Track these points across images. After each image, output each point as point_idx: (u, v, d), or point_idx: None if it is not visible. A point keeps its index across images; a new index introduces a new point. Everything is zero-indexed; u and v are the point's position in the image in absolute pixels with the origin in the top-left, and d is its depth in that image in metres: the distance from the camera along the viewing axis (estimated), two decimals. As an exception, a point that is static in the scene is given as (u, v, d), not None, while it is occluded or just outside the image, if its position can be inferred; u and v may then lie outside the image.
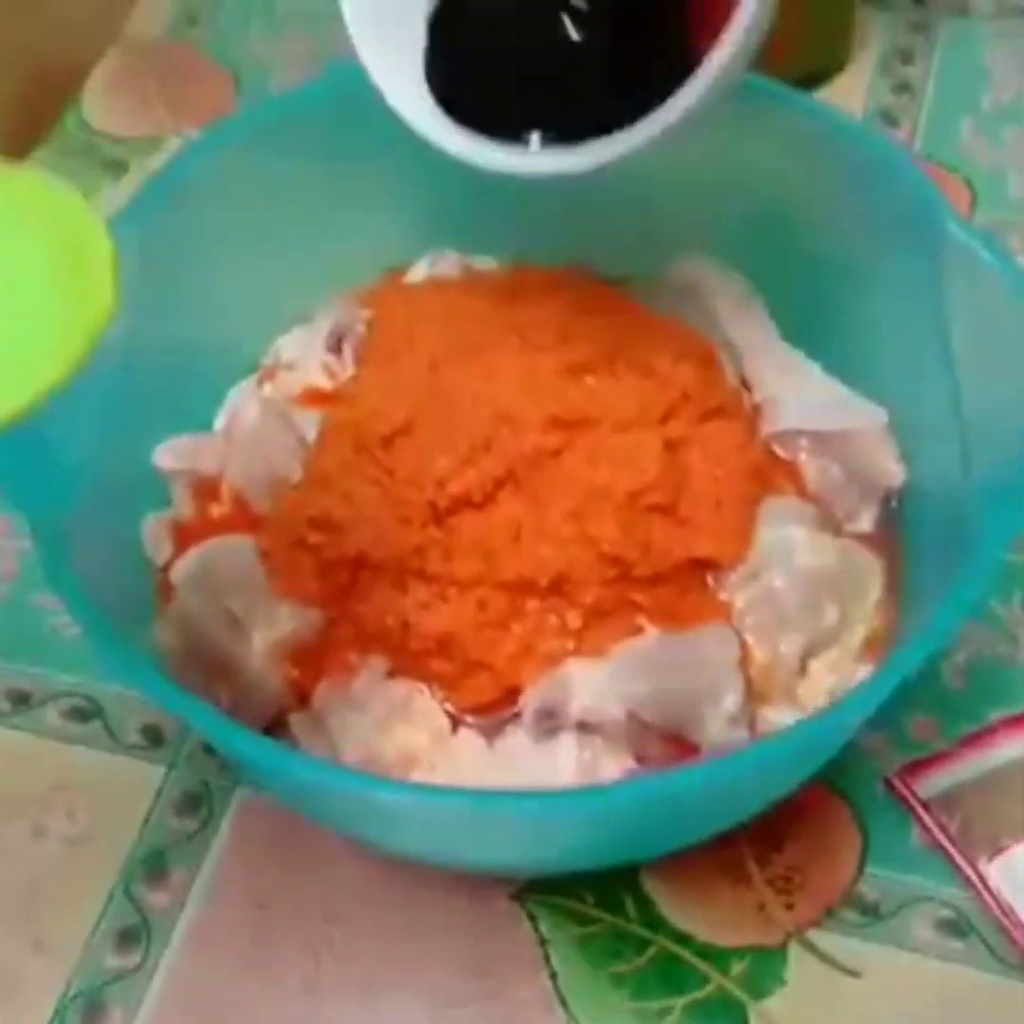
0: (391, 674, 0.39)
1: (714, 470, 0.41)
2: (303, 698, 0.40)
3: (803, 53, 0.62)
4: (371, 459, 0.40)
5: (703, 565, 0.40)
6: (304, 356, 0.47)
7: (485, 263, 0.50)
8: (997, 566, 0.35)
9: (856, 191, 0.44)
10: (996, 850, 0.42)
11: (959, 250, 0.41)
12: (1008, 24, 0.66)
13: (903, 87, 0.64)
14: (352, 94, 0.47)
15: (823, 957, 0.41)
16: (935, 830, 0.43)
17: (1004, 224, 0.58)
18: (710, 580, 0.40)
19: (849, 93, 0.63)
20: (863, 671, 0.41)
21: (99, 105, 0.65)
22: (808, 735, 0.34)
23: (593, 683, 0.37)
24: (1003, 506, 0.36)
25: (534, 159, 0.37)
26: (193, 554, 0.42)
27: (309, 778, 0.34)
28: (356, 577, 0.40)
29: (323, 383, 0.46)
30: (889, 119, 0.62)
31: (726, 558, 0.40)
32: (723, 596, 0.40)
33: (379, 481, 0.40)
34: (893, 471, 0.44)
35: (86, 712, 0.46)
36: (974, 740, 0.45)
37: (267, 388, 0.47)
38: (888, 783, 0.45)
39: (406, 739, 0.38)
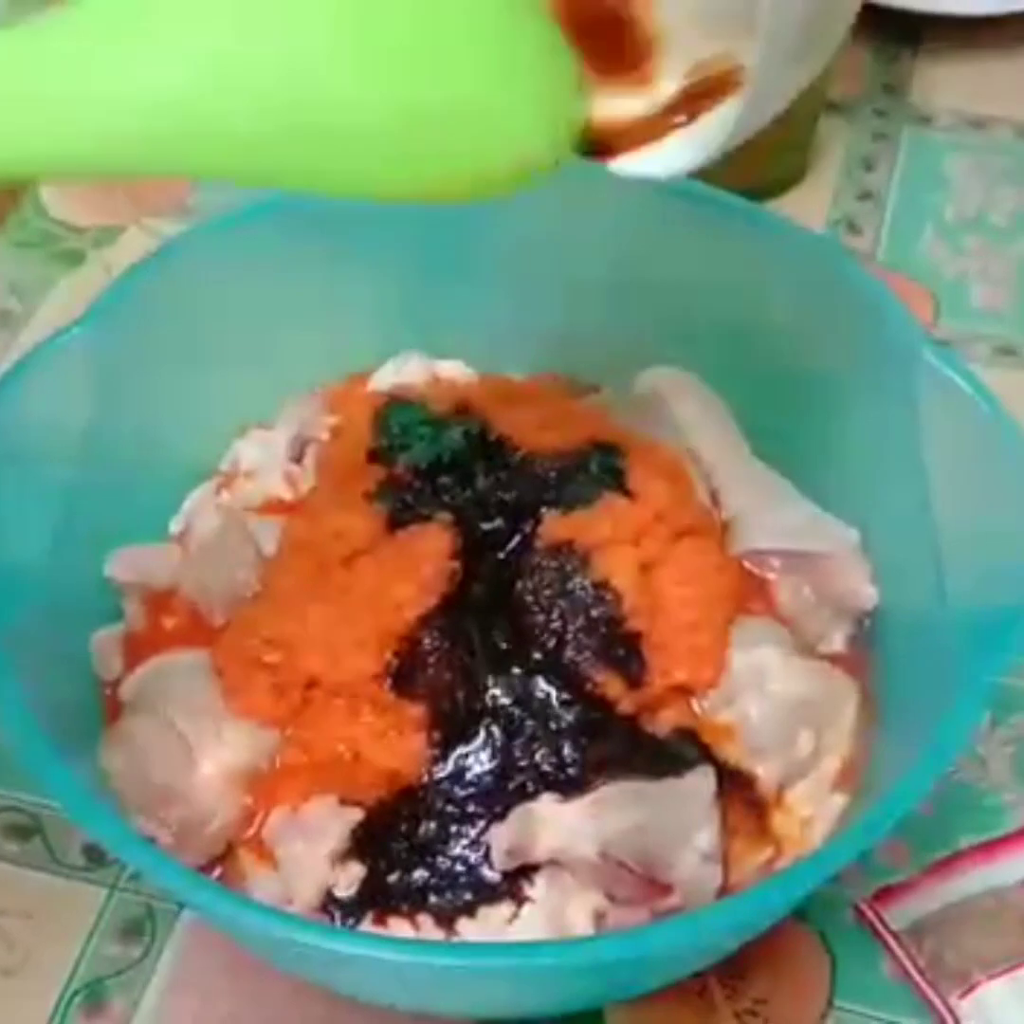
0: (343, 802, 0.38)
1: (687, 591, 0.40)
2: (254, 826, 0.38)
3: (767, 160, 0.62)
4: (330, 579, 0.39)
5: (679, 690, 0.39)
6: (265, 464, 0.46)
7: (451, 367, 0.49)
8: (972, 724, 0.35)
9: (828, 310, 0.44)
10: (967, 986, 0.41)
11: (934, 375, 0.41)
12: (968, 135, 0.67)
13: (866, 195, 0.64)
14: (317, 198, 0.47)
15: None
16: (905, 962, 0.42)
17: (968, 335, 0.59)
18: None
19: (812, 200, 0.64)
20: (838, 801, 0.40)
21: (57, 193, 0.64)
22: (776, 896, 0.33)
23: (565, 820, 0.36)
24: (981, 651, 0.35)
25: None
26: (144, 670, 0.41)
27: (250, 924, 0.32)
28: (310, 700, 0.38)
29: (284, 493, 0.44)
30: (852, 227, 0.63)
31: (700, 684, 0.39)
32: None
33: (337, 602, 0.39)
34: (865, 593, 0.43)
35: (25, 829, 0.44)
36: (944, 867, 0.44)
37: (225, 495, 0.46)
38: (858, 910, 0.44)
39: (361, 874, 0.36)
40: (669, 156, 0.35)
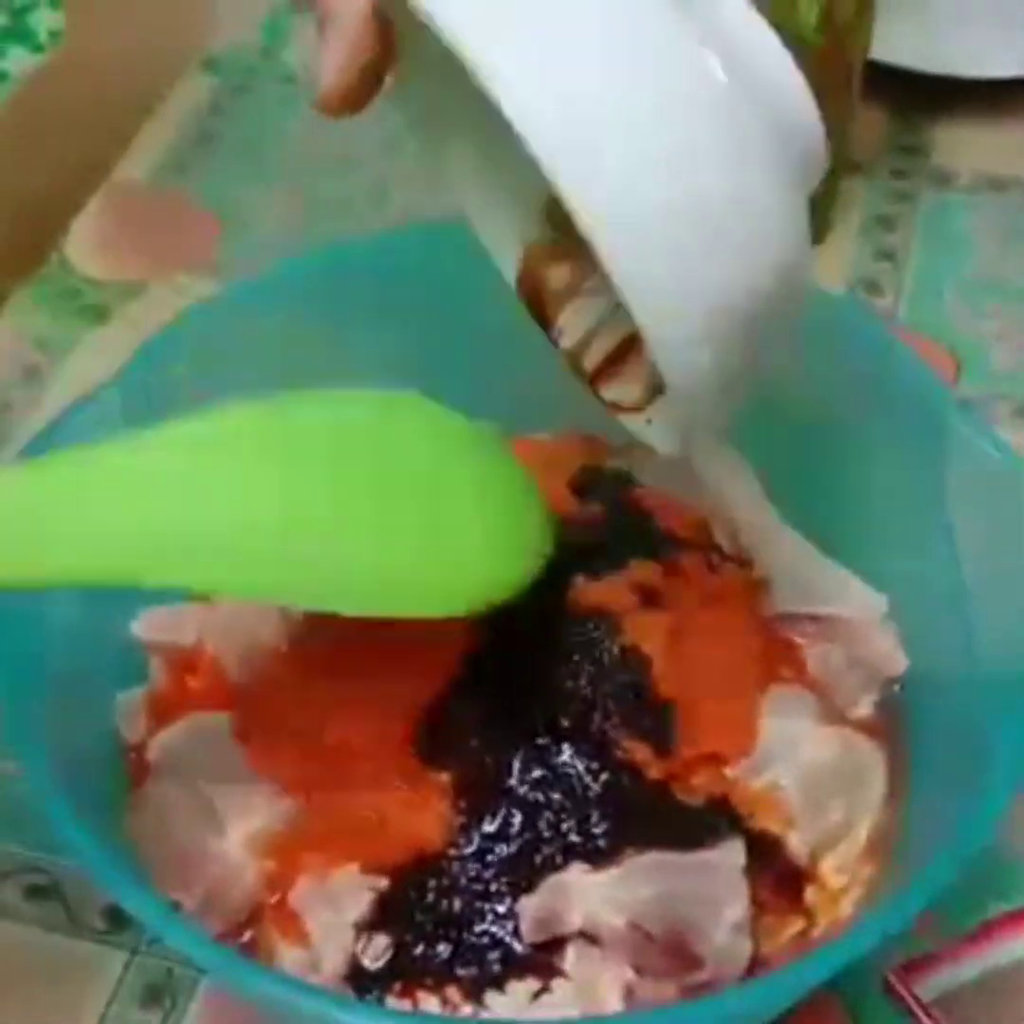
0: (367, 869, 0.37)
1: (717, 655, 0.40)
2: (279, 893, 0.38)
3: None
4: (357, 643, 0.39)
5: (710, 758, 0.39)
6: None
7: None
8: (1009, 794, 0.34)
9: (852, 373, 0.44)
10: (1001, 1061, 0.40)
11: (960, 438, 0.41)
12: (988, 195, 0.67)
13: (886, 255, 0.65)
14: (342, 264, 0.47)
15: None
16: (936, 1035, 0.41)
17: (990, 396, 0.59)
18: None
19: (832, 260, 0.64)
20: (869, 871, 0.39)
21: (83, 248, 0.64)
22: (807, 974, 0.33)
23: (594, 891, 0.36)
24: (1012, 716, 0.35)
25: None
26: (169, 733, 0.40)
27: (276, 995, 0.32)
28: (336, 764, 0.38)
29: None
30: (872, 287, 0.63)
31: (732, 753, 0.39)
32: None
33: (364, 666, 0.39)
34: (895, 658, 0.43)
35: (45, 890, 0.44)
36: (974, 938, 0.44)
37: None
38: (886, 982, 0.43)
39: (388, 944, 0.36)
40: (657, 436, 0.39)
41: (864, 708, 0.43)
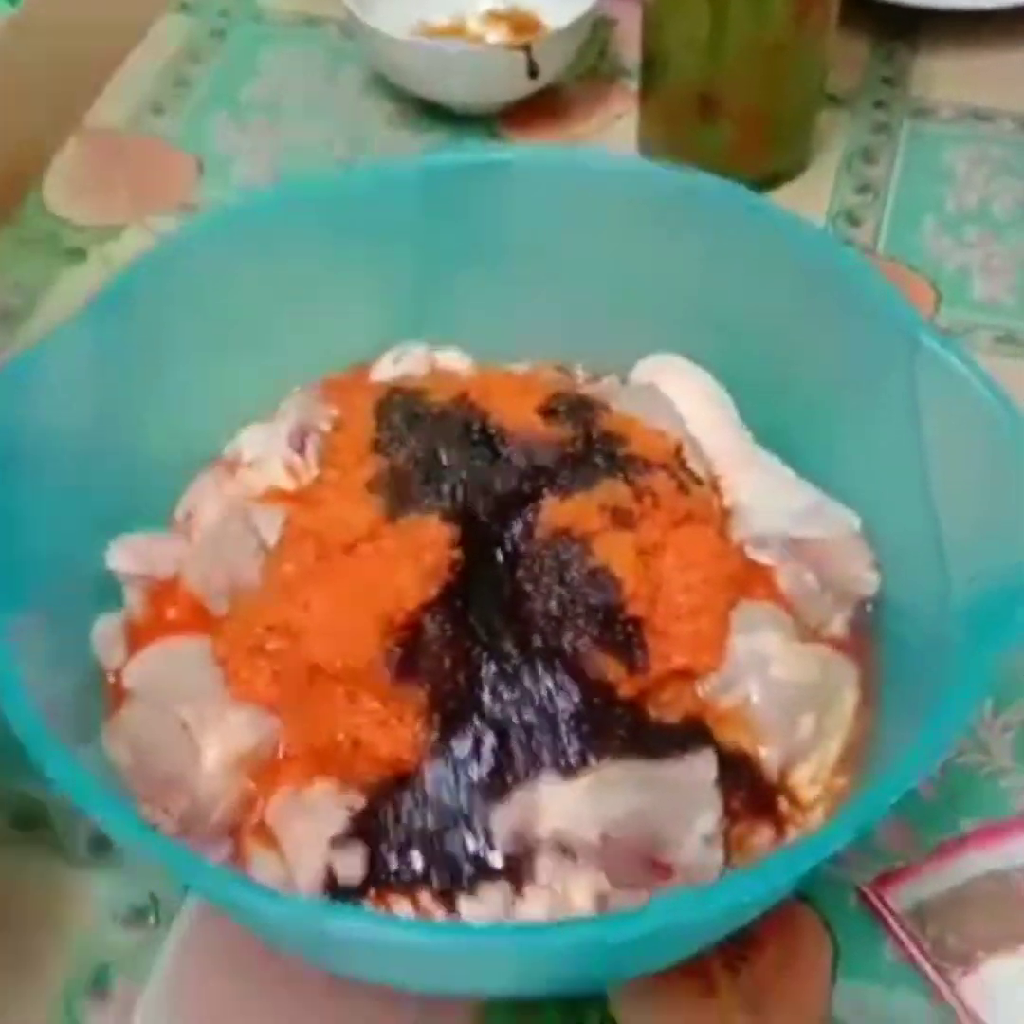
0: (344, 787, 0.38)
1: (687, 576, 0.40)
2: (257, 811, 0.38)
3: (767, 154, 0.62)
4: (332, 567, 0.39)
5: (680, 675, 0.39)
6: (267, 454, 0.46)
7: (451, 358, 0.49)
8: (972, 703, 0.35)
9: (827, 300, 0.44)
10: (970, 966, 0.41)
11: (932, 360, 0.41)
12: (968, 127, 0.67)
13: (866, 187, 0.64)
14: (316, 191, 0.47)
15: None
16: (908, 944, 0.42)
17: (969, 325, 0.59)
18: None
19: (813, 192, 0.64)
20: (840, 784, 0.40)
21: (60, 192, 0.64)
22: (778, 873, 0.33)
23: (566, 802, 0.36)
24: (980, 632, 0.35)
25: None
26: (146, 657, 0.41)
27: (252, 905, 0.33)
28: (311, 686, 0.38)
29: (286, 483, 0.44)
30: (852, 219, 0.63)
31: (701, 669, 0.39)
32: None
33: (339, 590, 0.39)
34: (867, 578, 0.43)
35: (31, 818, 0.45)
36: (946, 852, 0.44)
37: (228, 486, 0.46)
38: (860, 894, 0.44)
39: (362, 856, 0.36)
40: None
41: (836, 627, 0.43)
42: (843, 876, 0.44)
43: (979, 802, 0.46)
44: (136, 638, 0.42)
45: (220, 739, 0.38)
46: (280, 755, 0.39)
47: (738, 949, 0.42)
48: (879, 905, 0.43)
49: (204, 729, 0.38)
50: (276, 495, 0.44)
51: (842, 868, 0.44)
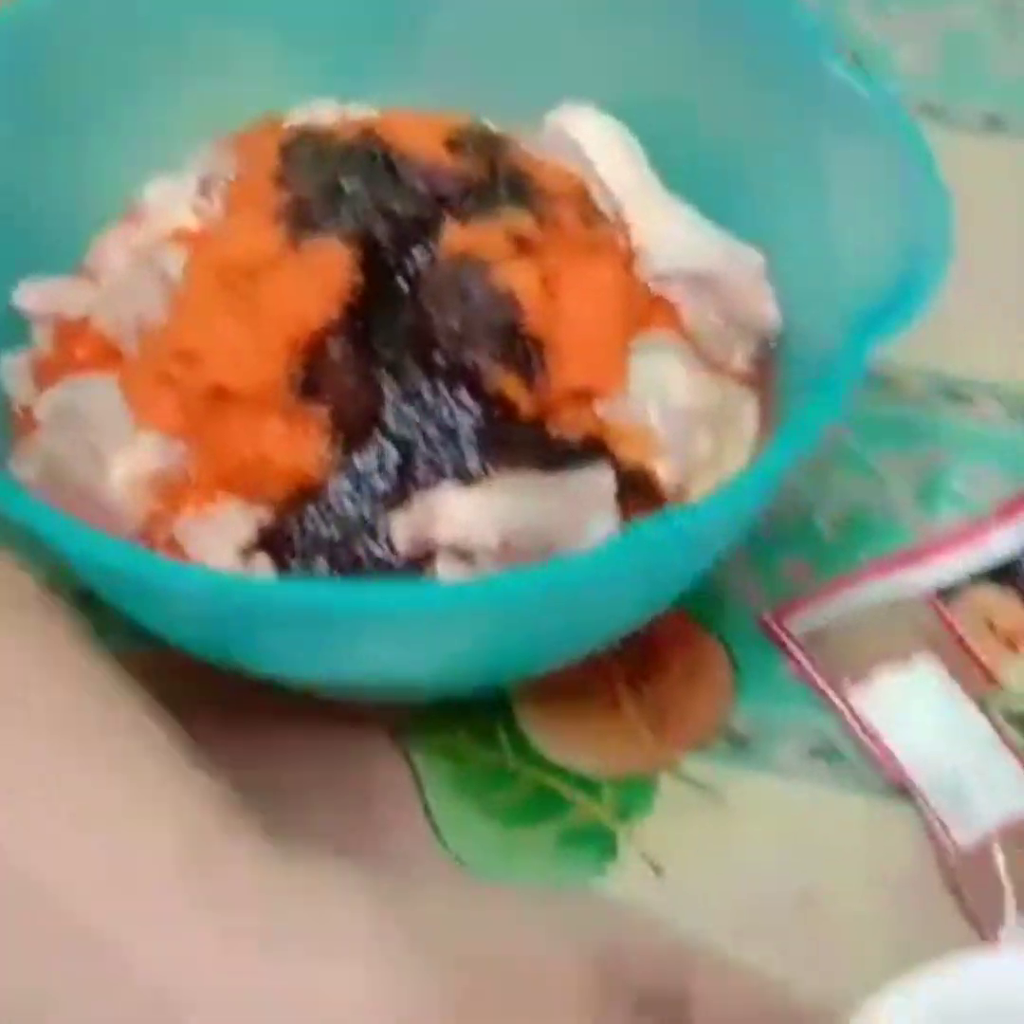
0: (251, 503, 0.39)
1: (590, 302, 0.40)
2: (165, 529, 0.39)
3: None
4: (235, 292, 0.40)
5: (580, 395, 0.40)
6: (173, 200, 0.45)
7: (363, 112, 0.49)
8: (854, 378, 0.36)
9: (732, 28, 0.44)
10: (861, 677, 0.43)
11: (836, 87, 0.41)
12: None
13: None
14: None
15: (692, 784, 0.42)
16: (804, 663, 0.44)
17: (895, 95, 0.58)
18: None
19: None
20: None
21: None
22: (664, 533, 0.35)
23: (465, 508, 0.37)
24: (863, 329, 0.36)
25: None
26: (56, 390, 0.41)
27: (183, 585, 0.34)
28: (216, 410, 0.39)
29: (192, 224, 0.44)
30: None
31: (601, 389, 0.40)
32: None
33: (242, 313, 0.39)
34: (768, 314, 0.44)
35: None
36: (843, 582, 0.46)
37: (136, 237, 0.46)
38: (761, 622, 0.45)
39: (268, 565, 0.38)
40: None
41: (739, 362, 0.44)
42: (744, 608, 0.46)
43: (878, 541, 0.47)
44: (44, 376, 0.42)
45: (127, 460, 0.39)
46: (187, 477, 0.39)
47: (641, 671, 0.44)
48: (777, 629, 0.45)
49: (112, 451, 0.39)
50: (183, 236, 0.44)
51: (743, 600, 0.46)
